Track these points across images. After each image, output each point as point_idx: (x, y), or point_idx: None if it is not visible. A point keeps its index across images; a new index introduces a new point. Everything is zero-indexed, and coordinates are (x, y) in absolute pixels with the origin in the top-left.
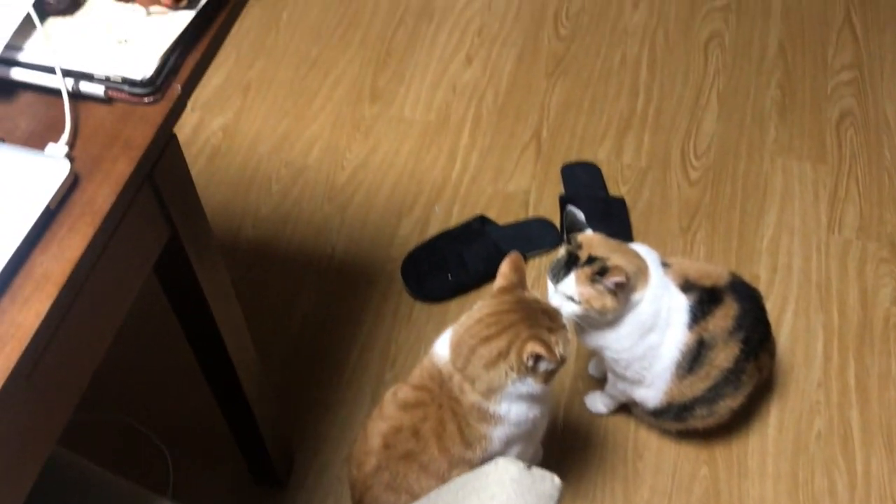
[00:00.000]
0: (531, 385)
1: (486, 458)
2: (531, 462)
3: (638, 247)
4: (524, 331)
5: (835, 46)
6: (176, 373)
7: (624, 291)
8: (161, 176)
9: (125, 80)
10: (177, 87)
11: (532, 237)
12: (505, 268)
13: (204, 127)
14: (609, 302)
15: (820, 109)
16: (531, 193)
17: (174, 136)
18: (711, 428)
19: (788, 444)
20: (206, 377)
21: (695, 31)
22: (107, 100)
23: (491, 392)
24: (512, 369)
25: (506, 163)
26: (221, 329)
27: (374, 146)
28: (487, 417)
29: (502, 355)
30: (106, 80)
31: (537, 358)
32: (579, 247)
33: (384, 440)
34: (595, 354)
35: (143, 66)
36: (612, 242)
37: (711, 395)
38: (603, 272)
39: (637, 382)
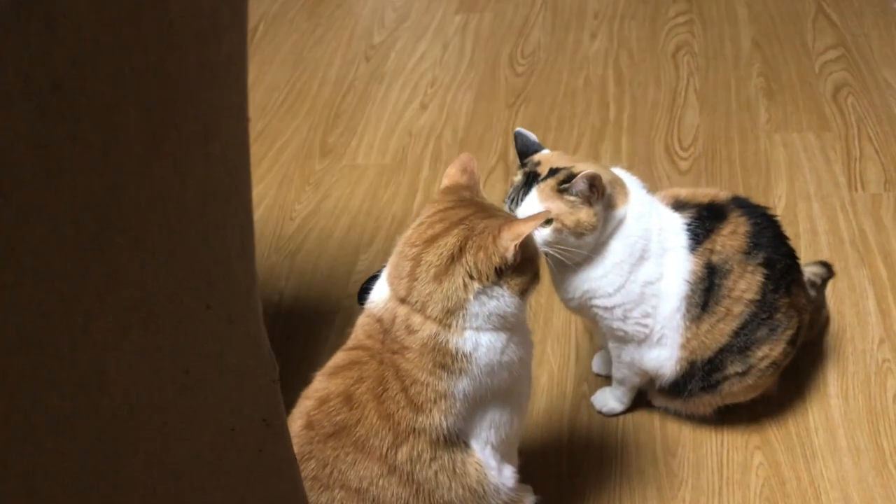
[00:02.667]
0: (503, 297)
1: (452, 430)
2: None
3: (613, 169)
4: (479, 223)
5: (813, 33)
6: None
7: (601, 201)
8: None
9: None
10: None
11: None
12: (452, 168)
13: None
14: (584, 215)
15: (811, 87)
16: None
17: None
18: (756, 400)
19: (860, 412)
20: None
21: (660, 46)
22: None
23: (450, 314)
24: (471, 275)
25: None
26: None
27: (326, 194)
28: (448, 362)
29: (455, 257)
30: None
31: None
32: (537, 164)
33: (307, 419)
34: (598, 348)
35: None
36: (576, 156)
37: (742, 342)
38: (569, 180)
39: (644, 340)
